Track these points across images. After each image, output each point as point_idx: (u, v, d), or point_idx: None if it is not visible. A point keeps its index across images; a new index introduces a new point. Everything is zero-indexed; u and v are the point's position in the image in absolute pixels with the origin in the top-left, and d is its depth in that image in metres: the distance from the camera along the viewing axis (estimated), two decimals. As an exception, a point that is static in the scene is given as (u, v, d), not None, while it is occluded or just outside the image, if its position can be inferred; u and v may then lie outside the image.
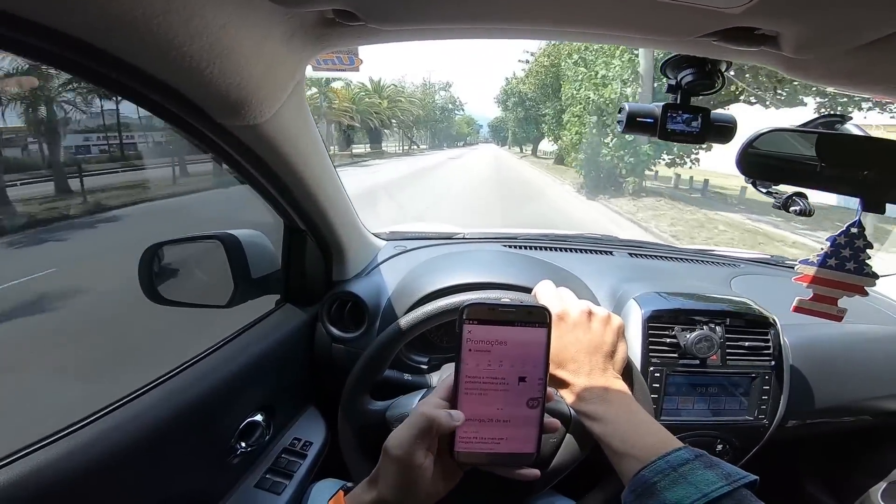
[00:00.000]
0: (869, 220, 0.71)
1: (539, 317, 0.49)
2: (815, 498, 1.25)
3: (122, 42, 0.41)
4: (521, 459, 0.51)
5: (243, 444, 0.83)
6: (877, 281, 0.71)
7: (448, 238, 1.37)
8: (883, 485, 1.11)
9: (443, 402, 0.50)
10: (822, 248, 0.72)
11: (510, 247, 1.30)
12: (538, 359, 0.50)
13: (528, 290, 0.69)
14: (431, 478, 0.48)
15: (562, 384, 0.61)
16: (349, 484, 0.51)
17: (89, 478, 0.55)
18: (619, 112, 0.72)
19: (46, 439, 0.54)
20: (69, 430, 0.56)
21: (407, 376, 0.96)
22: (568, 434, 0.68)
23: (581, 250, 1.32)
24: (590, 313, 0.64)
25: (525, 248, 1.29)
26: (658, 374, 0.88)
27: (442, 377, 0.91)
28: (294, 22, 0.51)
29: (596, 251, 1.32)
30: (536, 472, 0.52)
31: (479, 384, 0.49)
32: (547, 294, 0.67)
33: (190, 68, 0.46)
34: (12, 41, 0.37)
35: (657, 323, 0.90)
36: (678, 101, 0.68)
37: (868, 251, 0.71)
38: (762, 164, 0.70)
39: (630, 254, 1.33)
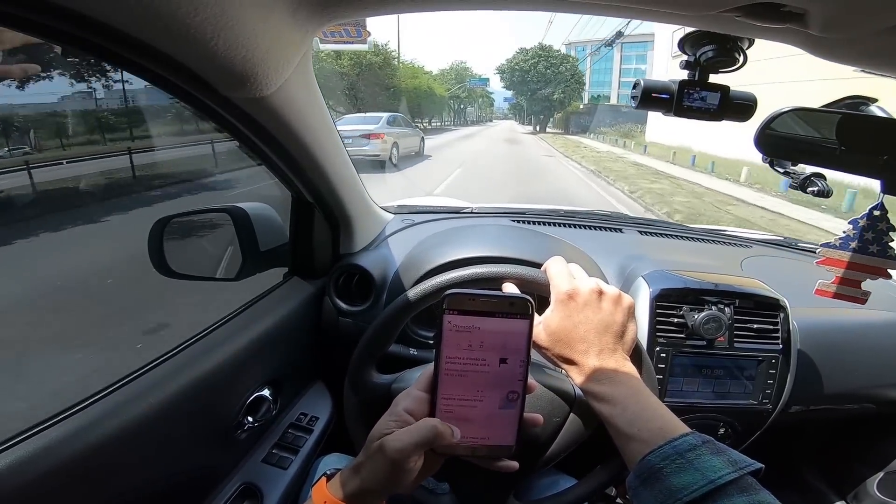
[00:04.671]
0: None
1: (521, 308, 0.48)
2: (810, 485, 1.25)
3: (124, 15, 0.40)
4: (501, 452, 0.51)
5: (250, 419, 0.83)
6: None
7: (456, 212, 1.36)
8: (880, 475, 1.11)
9: (422, 393, 0.50)
10: (844, 232, 0.71)
11: (519, 222, 1.29)
12: (519, 351, 0.49)
13: (537, 265, 0.68)
14: None
15: (570, 363, 0.60)
16: (329, 471, 0.52)
17: (96, 455, 0.56)
18: (634, 87, 0.69)
19: (53, 418, 0.54)
20: (75, 408, 0.57)
21: (413, 351, 0.96)
22: (571, 413, 0.68)
23: (590, 226, 1.31)
24: (600, 292, 0.62)
25: (534, 223, 1.28)
26: (664, 355, 0.88)
27: None
28: None
29: (605, 228, 1.31)
30: (515, 464, 0.52)
31: (458, 376, 0.49)
32: (558, 270, 0.65)
33: (194, 41, 0.45)
34: (12, 17, 0.36)
35: (665, 302, 0.89)
36: (696, 78, 0.66)
37: (891, 234, 0.70)
38: (782, 142, 0.69)
39: (640, 231, 1.32)
